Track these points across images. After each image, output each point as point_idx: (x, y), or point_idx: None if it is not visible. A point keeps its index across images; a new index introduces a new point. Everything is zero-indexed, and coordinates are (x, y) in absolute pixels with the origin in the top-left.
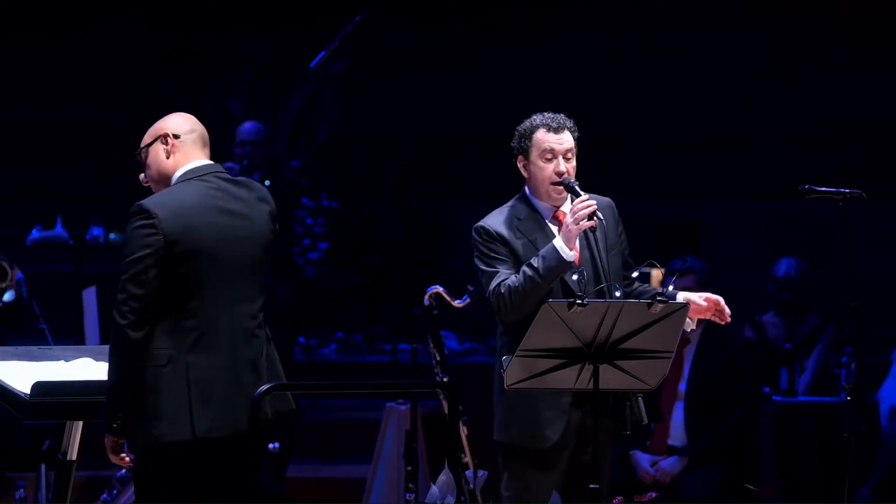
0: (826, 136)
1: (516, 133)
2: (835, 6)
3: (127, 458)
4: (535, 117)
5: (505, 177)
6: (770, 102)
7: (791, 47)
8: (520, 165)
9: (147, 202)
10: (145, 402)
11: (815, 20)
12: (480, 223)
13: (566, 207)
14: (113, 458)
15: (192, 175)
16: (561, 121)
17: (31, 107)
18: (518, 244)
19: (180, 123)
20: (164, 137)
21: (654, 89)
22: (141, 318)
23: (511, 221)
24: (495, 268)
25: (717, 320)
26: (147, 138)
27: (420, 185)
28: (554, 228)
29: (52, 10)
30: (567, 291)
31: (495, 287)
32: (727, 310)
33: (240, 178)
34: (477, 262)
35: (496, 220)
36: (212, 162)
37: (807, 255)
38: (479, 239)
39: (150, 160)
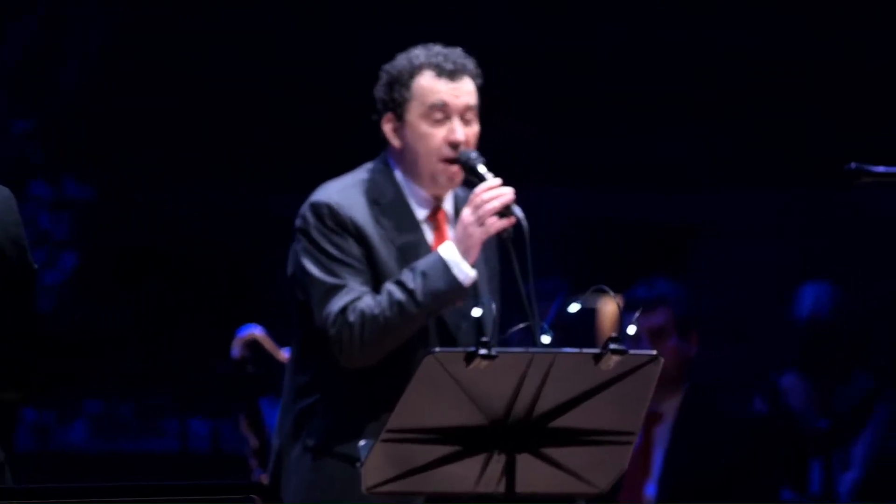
0: None
1: (384, 75)
2: None
3: None
4: (416, 52)
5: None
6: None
7: None
8: (387, 128)
9: None
10: None
11: None
12: (322, 197)
13: (449, 204)
14: None
15: None
16: (458, 60)
17: None
18: (380, 244)
19: None
20: None
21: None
22: None
23: (366, 206)
24: (341, 278)
25: None
26: None
27: (232, 164)
28: (430, 234)
29: None
30: (444, 334)
31: (339, 312)
32: None
33: None
34: (305, 261)
35: (348, 196)
36: None
37: (853, 268)
38: (318, 224)
39: None
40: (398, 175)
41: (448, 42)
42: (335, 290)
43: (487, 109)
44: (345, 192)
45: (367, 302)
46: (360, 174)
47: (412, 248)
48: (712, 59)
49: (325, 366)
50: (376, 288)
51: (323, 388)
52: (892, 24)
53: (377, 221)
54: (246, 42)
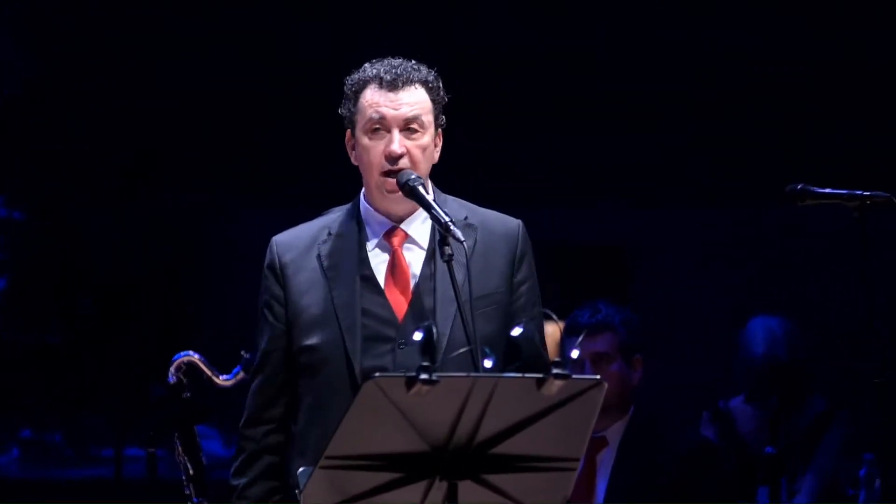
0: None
1: (344, 92)
2: None
3: None
4: (366, 65)
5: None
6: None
7: None
8: (348, 146)
9: None
10: None
11: None
12: (278, 236)
13: (412, 226)
14: None
15: None
16: (406, 71)
17: None
18: (305, 286)
19: None
20: None
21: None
22: None
23: (315, 238)
24: (260, 350)
25: None
26: None
27: (171, 179)
28: (376, 257)
29: None
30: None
31: (247, 420)
32: None
33: None
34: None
35: (297, 233)
36: None
37: (799, 291)
38: (265, 268)
39: None
40: (363, 201)
41: (448, 42)
42: (256, 373)
43: (488, 111)
44: (298, 229)
45: (249, 454)
46: (341, 206)
47: (343, 280)
48: (712, 59)
49: (294, 399)
50: (287, 336)
51: (291, 420)
52: (892, 24)
53: (317, 254)
54: (246, 42)
